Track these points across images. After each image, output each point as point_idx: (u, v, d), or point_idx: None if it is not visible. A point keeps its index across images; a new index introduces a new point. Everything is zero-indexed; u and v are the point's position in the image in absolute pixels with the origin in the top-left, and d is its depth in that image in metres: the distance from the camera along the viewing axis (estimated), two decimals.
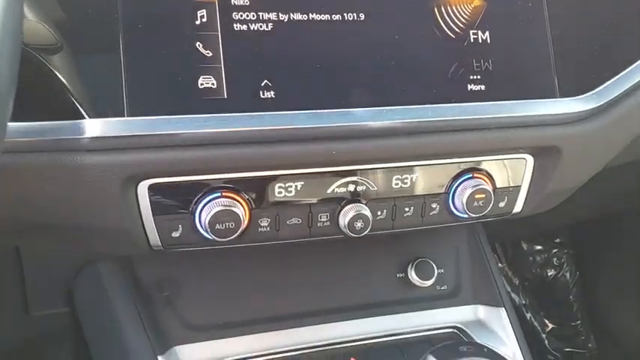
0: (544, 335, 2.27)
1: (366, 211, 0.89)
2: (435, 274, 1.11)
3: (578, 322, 2.33)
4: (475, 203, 0.93)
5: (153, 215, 0.82)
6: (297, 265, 1.07)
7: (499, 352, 0.75)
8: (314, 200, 0.89)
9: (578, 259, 2.35)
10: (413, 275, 1.11)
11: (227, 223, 0.83)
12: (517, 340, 1.09)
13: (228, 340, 1.00)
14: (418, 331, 1.07)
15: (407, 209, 0.93)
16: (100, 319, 1.01)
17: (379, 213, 0.92)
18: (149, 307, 0.98)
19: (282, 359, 1.00)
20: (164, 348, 0.96)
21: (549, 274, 2.33)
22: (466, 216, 0.96)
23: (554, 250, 2.38)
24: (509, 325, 1.10)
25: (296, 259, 1.07)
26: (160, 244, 0.85)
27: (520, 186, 0.98)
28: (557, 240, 2.41)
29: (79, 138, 0.73)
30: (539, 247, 2.40)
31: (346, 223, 0.89)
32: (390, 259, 1.12)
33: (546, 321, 2.30)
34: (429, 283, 1.11)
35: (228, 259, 1.03)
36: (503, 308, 1.12)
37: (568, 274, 2.36)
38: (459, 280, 1.14)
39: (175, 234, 0.85)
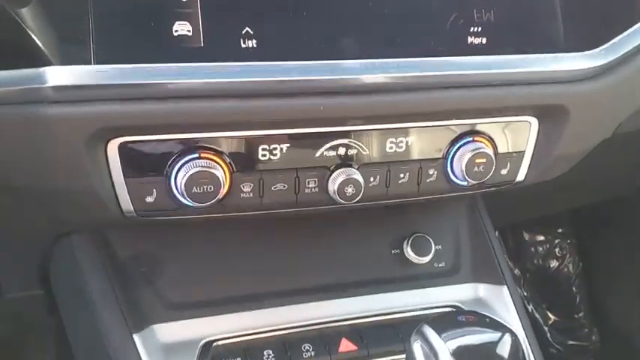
0: (546, 328, 2.21)
1: (358, 176, 0.82)
2: (433, 251, 1.04)
3: (581, 314, 2.27)
4: (475, 168, 0.86)
5: (124, 178, 0.76)
6: (284, 241, 1.00)
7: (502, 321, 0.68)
8: (301, 164, 0.82)
9: (581, 249, 2.30)
10: (409, 251, 1.04)
11: (205, 187, 0.76)
12: (520, 319, 1.02)
13: (210, 319, 0.93)
14: (414, 310, 1.00)
15: (402, 175, 0.87)
16: (74, 296, 0.94)
17: (372, 179, 0.85)
18: (125, 283, 0.91)
19: (267, 339, 0.93)
20: (140, 326, 0.89)
21: (551, 265, 2.27)
22: (465, 184, 0.89)
23: (557, 241, 2.32)
24: (512, 303, 1.03)
25: (284, 234, 1.00)
26: (132, 209, 0.78)
27: (524, 152, 0.91)
28: (560, 230, 2.36)
29: (41, 87, 0.67)
30: (541, 238, 2.34)
31: (336, 188, 0.82)
32: (385, 235, 1.05)
33: (549, 313, 2.24)
34: (426, 259, 1.04)
35: (210, 233, 0.97)
36: (506, 286, 1.05)
37: (571, 266, 2.30)
38: (459, 257, 1.07)
39: (149, 199, 0.78)
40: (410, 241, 1.04)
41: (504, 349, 0.64)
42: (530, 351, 1.01)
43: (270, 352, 0.91)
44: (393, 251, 1.05)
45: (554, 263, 2.31)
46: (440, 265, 1.06)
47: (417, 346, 0.67)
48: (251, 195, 0.81)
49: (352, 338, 0.95)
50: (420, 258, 1.04)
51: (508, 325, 0.73)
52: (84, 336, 0.96)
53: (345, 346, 0.94)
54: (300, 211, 0.90)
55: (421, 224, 1.06)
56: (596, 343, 2.26)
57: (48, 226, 0.90)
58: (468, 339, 0.65)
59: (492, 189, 0.95)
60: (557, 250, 2.34)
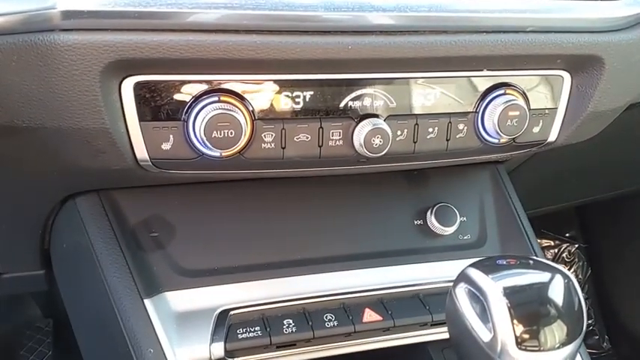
0: None
1: (385, 127, 0.78)
2: (458, 221, 0.99)
3: (591, 320, 2.21)
4: (508, 122, 0.82)
5: (139, 121, 0.71)
6: (305, 209, 0.95)
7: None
8: (325, 114, 0.77)
9: (590, 254, 2.25)
10: (433, 221, 0.98)
11: (226, 131, 0.71)
12: None
13: (226, 287, 0.87)
14: (440, 282, 0.94)
15: (430, 130, 0.82)
16: (79, 264, 0.88)
17: (399, 133, 0.80)
18: (135, 248, 0.85)
19: (287, 309, 0.87)
20: (152, 293, 0.83)
21: None
22: (496, 141, 0.85)
23: (565, 245, 2.27)
24: None
25: (305, 202, 0.95)
26: (147, 157, 0.73)
27: (556, 109, 0.87)
28: (568, 234, 2.31)
29: (51, 13, 0.62)
30: (549, 243, 2.30)
31: (362, 140, 0.77)
32: (408, 205, 1.00)
33: None
34: (451, 230, 0.99)
35: (227, 197, 0.91)
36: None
37: (580, 271, 2.25)
38: (484, 230, 1.02)
39: (166, 146, 0.73)
40: (434, 211, 0.98)
41: (558, 288, 0.59)
42: None
43: (291, 321, 0.85)
44: (416, 222, 0.99)
45: None
46: (465, 238, 1.01)
47: (460, 291, 0.62)
48: (273, 146, 0.76)
49: (376, 308, 0.89)
50: (445, 228, 0.98)
51: None
52: (89, 306, 0.89)
53: (369, 316, 0.88)
54: (323, 170, 0.85)
55: (445, 195, 1.01)
56: (607, 349, 2.20)
57: (55, 183, 0.84)
58: (519, 279, 0.60)
59: (523, 151, 0.90)
60: (565, 254, 2.29)
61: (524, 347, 0.56)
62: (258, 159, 0.77)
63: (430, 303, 0.91)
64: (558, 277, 0.60)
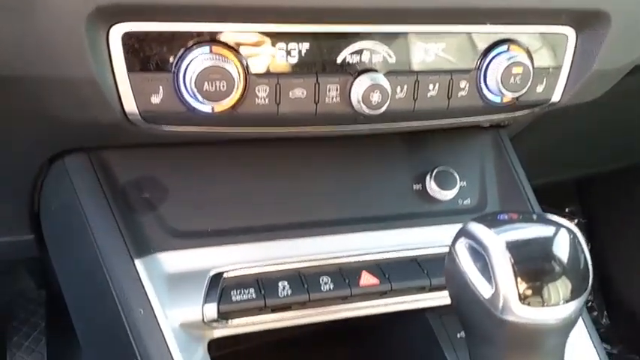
0: None
1: (384, 82, 0.75)
2: (457, 186, 0.96)
3: (591, 296, 2.20)
4: (512, 80, 0.79)
5: (127, 72, 0.68)
6: (300, 170, 0.92)
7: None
8: (321, 69, 0.74)
9: (590, 229, 2.24)
10: (432, 185, 0.96)
11: (217, 83, 0.69)
12: None
13: (219, 249, 0.85)
14: (439, 247, 0.92)
15: (431, 87, 0.79)
16: (68, 226, 0.86)
17: (398, 90, 0.78)
18: (125, 209, 0.82)
19: (282, 272, 0.85)
20: (143, 254, 0.81)
21: None
22: (499, 99, 0.82)
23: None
24: None
25: (299, 163, 0.92)
26: (136, 110, 0.70)
27: (561, 67, 0.84)
28: (568, 209, 2.29)
29: None
30: None
31: (360, 96, 0.75)
32: (406, 169, 0.97)
33: None
34: (451, 195, 0.96)
35: (220, 158, 0.88)
36: None
37: None
38: (485, 195, 0.99)
39: (155, 99, 0.70)
40: (433, 175, 0.96)
41: (563, 243, 0.57)
42: None
43: (286, 284, 0.83)
44: (415, 186, 0.97)
45: None
46: (465, 203, 0.98)
47: (460, 247, 0.59)
48: (267, 101, 0.74)
49: (374, 272, 0.87)
50: (444, 192, 0.96)
51: None
52: (79, 268, 0.87)
53: (366, 279, 0.86)
54: (319, 130, 0.83)
55: (445, 159, 0.98)
56: (606, 326, 2.19)
57: (41, 140, 0.81)
58: (522, 233, 0.57)
59: (525, 111, 0.88)
60: None
61: (527, 303, 0.54)
62: (252, 115, 0.74)
63: (428, 267, 0.89)
64: (563, 232, 0.58)
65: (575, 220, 2.26)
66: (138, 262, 0.79)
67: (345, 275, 0.86)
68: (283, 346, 1.14)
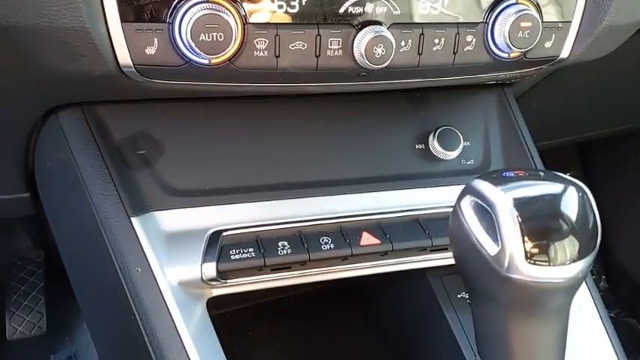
0: None
1: (388, 35, 0.72)
2: (461, 146, 0.94)
3: None
4: (520, 34, 0.76)
5: (121, 22, 0.65)
6: (300, 128, 0.90)
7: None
8: (323, 20, 0.71)
9: (591, 194, 2.22)
10: (435, 145, 0.93)
11: (214, 34, 0.66)
12: None
13: (218, 208, 0.83)
14: (441, 207, 0.90)
15: (437, 41, 0.76)
16: (64, 184, 0.84)
17: (403, 43, 0.75)
18: (121, 166, 0.80)
19: (281, 231, 0.83)
20: (140, 212, 0.79)
21: None
22: (506, 55, 0.79)
23: None
24: None
25: (300, 121, 0.90)
26: (130, 63, 0.67)
27: (570, 22, 0.81)
28: (569, 174, 2.28)
29: None
30: None
31: (363, 49, 0.72)
32: (409, 129, 0.95)
33: None
34: (454, 155, 0.94)
35: (218, 115, 0.86)
36: None
37: None
38: (488, 155, 0.97)
39: (150, 50, 0.67)
40: (437, 134, 0.93)
41: (572, 201, 0.55)
42: None
43: (286, 243, 0.81)
44: (417, 146, 0.95)
45: None
46: (468, 163, 0.96)
47: (465, 205, 0.57)
48: (266, 54, 0.71)
49: (374, 232, 0.85)
50: (447, 152, 0.94)
51: None
52: (75, 227, 0.85)
53: (367, 239, 0.85)
54: (321, 86, 0.80)
55: (449, 118, 0.96)
56: (604, 290, 2.20)
57: (34, 94, 0.78)
58: (529, 190, 0.56)
59: (533, 68, 0.85)
60: None
61: (533, 261, 0.53)
62: (250, 69, 0.71)
63: (430, 228, 0.88)
64: (572, 189, 0.56)
65: None
66: (135, 220, 0.77)
67: (345, 235, 0.84)
68: (283, 305, 1.13)
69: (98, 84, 0.72)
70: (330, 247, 0.83)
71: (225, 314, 1.05)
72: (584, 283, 0.93)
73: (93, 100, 0.81)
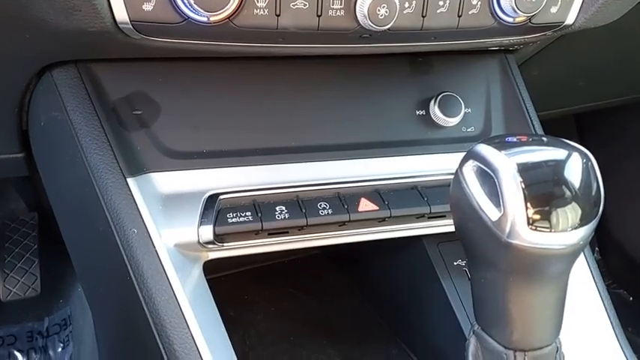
0: None
1: None
2: (462, 112, 0.93)
3: None
4: None
5: None
6: (300, 92, 0.88)
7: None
8: None
9: None
10: (436, 111, 0.92)
11: None
12: None
13: (215, 171, 0.82)
14: (440, 174, 0.90)
15: (441, 3, 0.75)
16: (58, 143, 0.82)
17: (407, 5, 0.73)
18: (116, 126, 0.79)
19: (279, 195, 0.83)
20: (136, 173, 0.78)
21: None
22: (511, 19, 0.78)
23: None
24: None
25: (299, 85, 0.88)
26: (127, 19, 0.65)
27: None
28: None
29: None
30: None
31: (366, 10, 0.70)
32: (410, 94, 0.93)
33: None
34: (454, 121, 0.93)
35: (216, 77, 0.84)
36: None
37: None
38: (489, 123, 0.96)
39: (147, 6, 0.65)
40: (438, 101, 0.92)
41: (576, 167, 0.54)
42: None
43: (283, 208, 0.80)
44: (418, 112, 0.93)
45: None
46: (469, 130, 0.95)
47: (468, 170, 0.57)
48: (266, 12, 0.69)
49: (373, 198, 0.85)
50: (448, 119, 0.92)
51: None
52: (70, 187, 0.84)
53: (365, 205, 0.84)
54: (322, 48, 0.78)
55: (450, 84, 0.95)
56: (597, 260, 2.22)
57: (28, 50, 0.76)
58: (533, 156, 0.55)
59: (538, 34, 0.83)
60: None
61: (534, 227, 0.52)
62: (250, 27, 0.70)
63: (429, 194, 0.87)
64: (576, 156, 0.55)
65: None
66: (131, 181, 0.76)
67: (343, 201, 0.84)
68: (278, 271, 1.13)
69: (94, 41, 0.71)
70: (328, 213, 0.82)
71: (220, 278, 1.05)
72: (582, 255, 0.93)
73: (88, 58, 0.79)
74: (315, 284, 1.12)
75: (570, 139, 1.76)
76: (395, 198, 0.86)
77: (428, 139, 0.93)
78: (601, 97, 1.61)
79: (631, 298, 2.12)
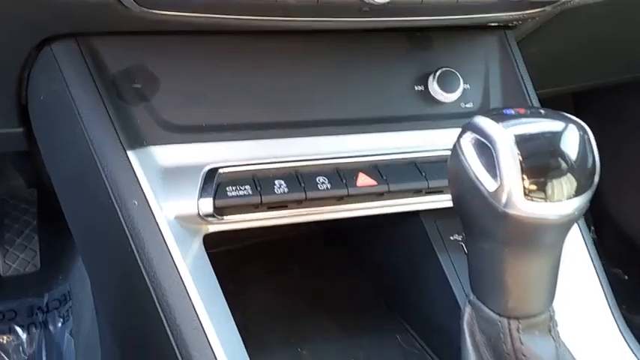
0: None
1: None
2: (461, 88, 0.93)
3: None
4: None
5: None
6: (299, 67, 0.88)
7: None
8: None
9: None
10: (435, 86, 0.93)
11: None
12: None
13: (215, 145, 0.82)
14: (439, 150, 0.90)
15: None
16: (58, 118, 0.83)
17: None
18: (116, 100, 0.79)
19: (278, 170, 0.83)
20: (136, 146, 0.78)
21: None
22: None
23: None
24: None
25: (299, 60, 0.88)
26: None
27: None
28: None
29: None
30: None
31: None
32: (408, 70, 0.93)
33: None
34: (453, 97, 0.93)
35: (216, 51, 0.84)
36: None
37: None
38: (488, 99, 0.96)
39: None
40: (436, 76, 0.92)
41: (572, 139, 0.55)
42: None
43: (282, 182, 0.81)
44: (416, 87, 0.94)
45: None
46: (467, 106, 0.95)
47: (465, 142, 0.57)
48: None
49: (371, 173, 0.85)
50: (447, 95, 0.93)
51: None
52: (70, 161, 0.85)
53: (363, 180, 0.85)
54: (321, 22, 0.79)
55: (449, 60, 0.95)
56: (592, 238, 2.23)
57: (27, 23, 0.76)
58: (530, 127, 0.55)
59: (537, 9, 0.84)
60: None
61: (530, 198, 0.53)
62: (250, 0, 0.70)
63: (427, 170, 0.88)
64: (572, 127, 0.56)
65: None
66: (131, 154, 0.77)
67: (342, 175, 0.84)
68: (277, 247, 1.14)
69: (94, 12, 0.71)
70: (327, 187, 0.83)
71: (220, 253, 1.06)
72: (578, 231, 0.94)
73: (88, 31, 0.79)
74: (314, 260, 1.13)
75: None
76: (393, 173, 0.87)
77: (426, 115, 0.94)
78: (600, 76, 1.61)
79: (626, 277, 2.14)
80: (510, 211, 0.54)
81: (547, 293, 0.59)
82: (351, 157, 0.88)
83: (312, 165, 0.85)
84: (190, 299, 0.75)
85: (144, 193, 0.75)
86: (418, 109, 0.93)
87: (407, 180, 0.87)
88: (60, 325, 1.59)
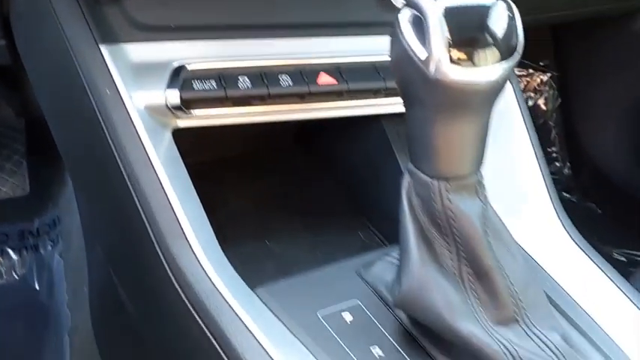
0: None
1: None
2: None
3: (555, 147, 2.28)
4: None
5: None
6: None
7: None
8: None
9: (562, 84, 2.26)
10: None
11: None
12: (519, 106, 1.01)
13: (182, 44, 0.87)
14: None
15: None
16: (37, 25, 0.88)
17: None
18: (90, 0, 0.84)
19: (242, 69, 0.88)
20: (108, 41, 0.84)
21: (529, 103, 2.25)
22: None
23: (538, 74, 2.28)
24: None
25: None
26: None
27: None
28: (542, 64, 2.31)
29: None
30: (521, 72, 2.30)
31: None
32: None
33: None
34: None
35: None
36: None
37: (549, 99, 2.28)
38: None
39: None
40: None
41: (500, 11, 0.60)
42: None
43: (246, 78, 0.87)
44: None
45: (532, 97, 2.29)
46: None
47: (402, 17, 0.63)
48: None
49: (332, 73, 0.91)
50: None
51: None
52: (47, 60, 0.90)
53: (324, 79, 0.90)
54: None
55: None
56: (568, 176, 2.29)
57: None
58: (462, 0, 0.61)
59: None
60: (537, 83, 2.31)
61: (457, 63, 0.59)
62: None
63: (386, 72, 0.93)
64: (501, 4, 0.61)
65: (549, 74, 2.30)
66: (103, 48, 0.82)
67: (304, 74, 0.90)
68: (250, 159, 1.20)
69: None
70: (289, 84, 0.88)
71: (194, 165, 1.11)
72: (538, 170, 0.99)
73: None
74: (286, 169, 1.19)
75: (547, 57, 1.77)
76: (353, 74, 0.92)
77: (387, 22, 0.97)
78: (579, 5, 1.62)
79: (599, 211, 2.20)
80: (439, 76, 0.59)
81: (474, 157, 0.65)
82: (314, 58, 0.93)
83: (276, 65, 0.90)
84: (162, 185, 0.80)
85: (115, 82, 0.81)
86: (379, 15, 0.98)
87: (366, 80, 0.92)
88: (50, 248, 1.66)
